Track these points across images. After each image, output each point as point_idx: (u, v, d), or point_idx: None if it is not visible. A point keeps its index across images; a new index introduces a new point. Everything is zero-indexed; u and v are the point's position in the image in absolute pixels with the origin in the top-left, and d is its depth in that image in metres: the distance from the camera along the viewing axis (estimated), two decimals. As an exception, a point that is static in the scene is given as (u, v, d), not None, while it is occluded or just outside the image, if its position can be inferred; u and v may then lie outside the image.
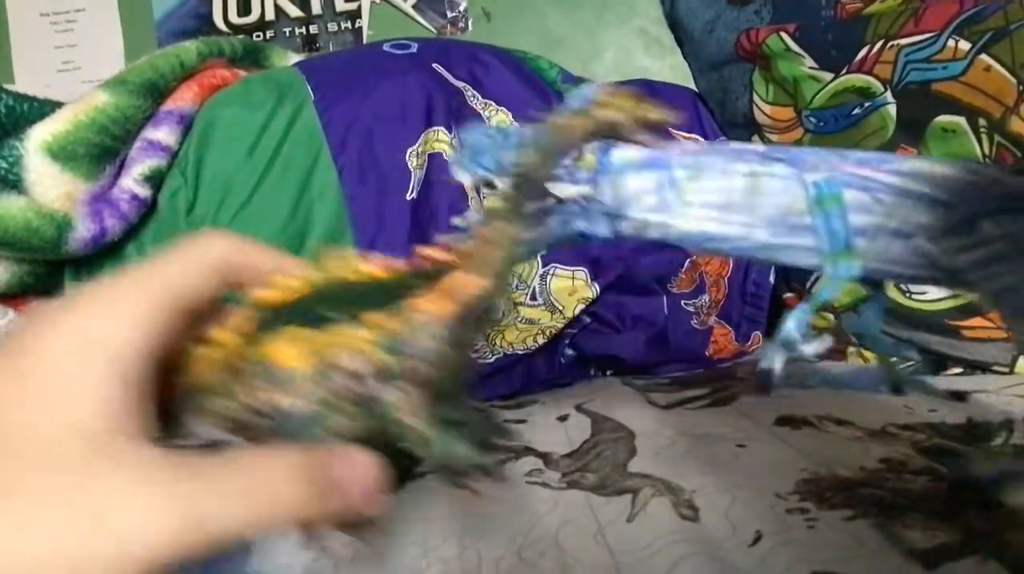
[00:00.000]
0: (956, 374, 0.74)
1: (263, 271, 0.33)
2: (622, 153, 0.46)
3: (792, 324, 0.39)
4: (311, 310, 0.30)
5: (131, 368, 0.27)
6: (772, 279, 0.92)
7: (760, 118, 0.87)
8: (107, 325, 0.27)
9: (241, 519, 0.25)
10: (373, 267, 0.33)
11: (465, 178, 0.46)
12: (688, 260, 0.84)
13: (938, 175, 0.39)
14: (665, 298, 0.85)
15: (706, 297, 0.87)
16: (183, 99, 0.76)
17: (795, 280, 0.87)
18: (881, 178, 0.40)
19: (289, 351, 0.29)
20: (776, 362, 0.39)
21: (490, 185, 0.46)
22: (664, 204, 0.44)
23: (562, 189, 0.45)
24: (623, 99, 0.38)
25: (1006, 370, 0.72)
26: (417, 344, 0.29)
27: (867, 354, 0.80)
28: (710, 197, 0.43)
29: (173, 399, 0.31)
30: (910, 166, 0.40)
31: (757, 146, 0.43)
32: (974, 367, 0.74)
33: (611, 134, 0.39)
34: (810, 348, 0.40)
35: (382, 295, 0.31)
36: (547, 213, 0.42)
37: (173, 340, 0.29)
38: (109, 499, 0.23)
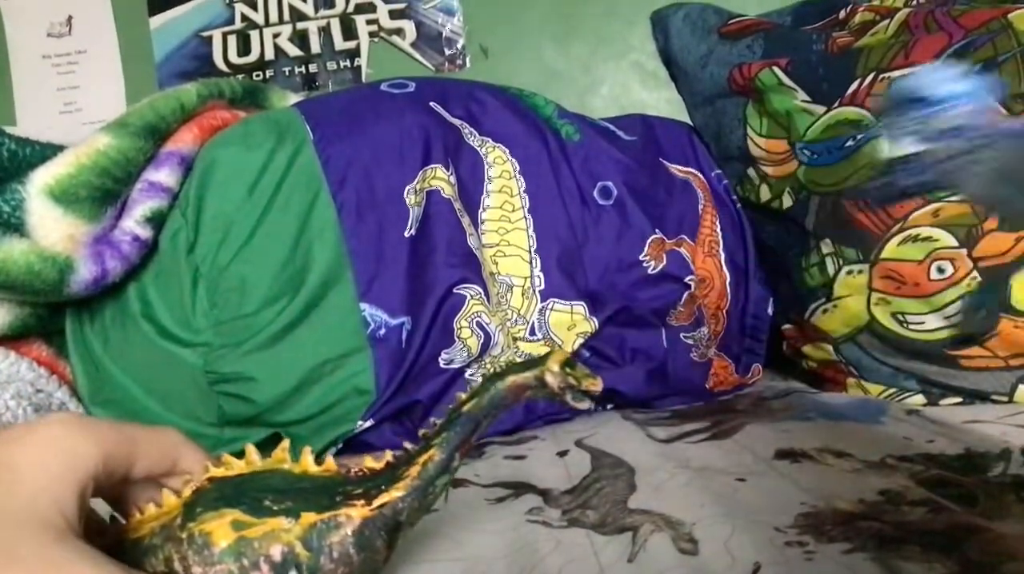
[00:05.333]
0: (955, 404, 0.75)
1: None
2: None
3: None
4: (257, 498, 0.36)
5: (87, 490, 0.33)
6: (771, 311, 0.92)
7: (754, 151, 0.88)
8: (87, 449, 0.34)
9: None
10: (312, 465, 0.38)
11: None
12: (686, 293, 0.85)
13: None
14: (664, 331, 0.85)
15: (705, 330, 0.87)
16: (183, 140, 0.77)
17: (793, 312, 0.87)
18: None
19: (228, 534, 0.34)
20: None
21: None
22: None
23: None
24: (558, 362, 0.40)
25: (1005, 399, 0.72)
26: (329, 543, 0.35)
27: (867, 385, 0.80)
28: None
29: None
30: None
31: None
32: (973, 396, 0.74)
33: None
34: None
35: (323, 496, 0.36)
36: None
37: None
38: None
